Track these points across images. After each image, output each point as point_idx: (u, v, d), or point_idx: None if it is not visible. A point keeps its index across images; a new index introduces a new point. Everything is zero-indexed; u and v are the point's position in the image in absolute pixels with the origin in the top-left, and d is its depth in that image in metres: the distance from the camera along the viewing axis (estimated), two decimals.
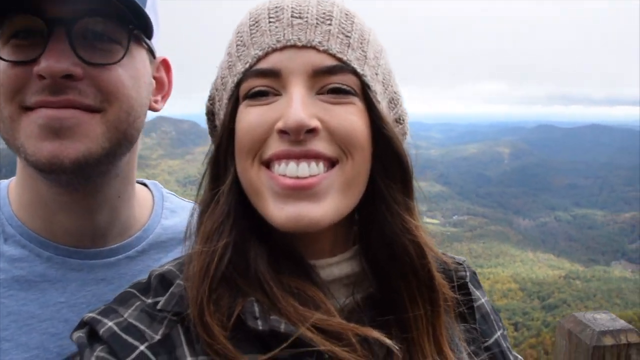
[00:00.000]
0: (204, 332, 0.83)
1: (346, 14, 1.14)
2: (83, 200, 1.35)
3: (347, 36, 1.11)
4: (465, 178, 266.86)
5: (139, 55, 1.32)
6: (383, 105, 1.18)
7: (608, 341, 1.74)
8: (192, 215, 1.12)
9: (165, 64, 1.52)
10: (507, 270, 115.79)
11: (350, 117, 1.06)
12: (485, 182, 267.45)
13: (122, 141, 1.29)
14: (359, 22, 1.17)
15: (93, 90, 1.18)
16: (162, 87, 1.53)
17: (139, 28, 1.26)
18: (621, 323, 2.35)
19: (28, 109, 1.17)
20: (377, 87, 1.17)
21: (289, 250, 0.98)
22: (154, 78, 1.47)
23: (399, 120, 1.24)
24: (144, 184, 1.62)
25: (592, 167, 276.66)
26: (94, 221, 1.38)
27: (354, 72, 1.09)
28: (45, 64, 1.10)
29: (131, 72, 1.27)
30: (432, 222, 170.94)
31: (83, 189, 1.32)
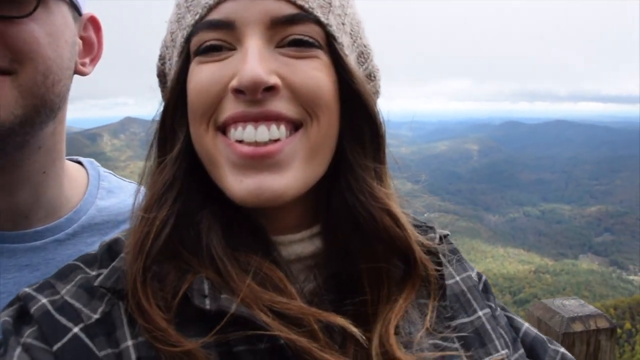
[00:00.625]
0: (140, 315, 0.72)
1: None
2: (0, 176, 1.18)
3: None
4: (435, 175, 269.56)
5: (58, 9, 1.13)
6: (351, 59, 1.03)
7: (577, 327, 1.69)
8: (136, 195, 0.96)
9: (94, 22, 1.33)
10: (479, 266, 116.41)
11: (314, 73, 0.92)
12: (455, 179, 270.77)
13: (39, 108, 1.11)
14: None
15: (1, 48, 1.00)
16: (90, 49, 1.33)
17: None
18: (590, 309, 1.92)
19: None
20: (344, 39, 1.02)
21: (248, 225, 0.85)
22: (81, 38, 1.29)
23: (370, 77, 1.08)
24: (79, 162, 1.47)
25: (558, 162, 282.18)
26: (14, 200, 1.21)
27: (317, 22, 0.94)
28: None
29: (47, 28, 1.09)
30: None
31: None
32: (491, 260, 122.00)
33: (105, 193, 1.39)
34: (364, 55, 1.13)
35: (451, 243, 1.21)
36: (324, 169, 0.90)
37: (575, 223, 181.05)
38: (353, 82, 0.97)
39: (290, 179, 0.86)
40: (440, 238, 1.15)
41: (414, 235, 0.98)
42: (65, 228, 1.30)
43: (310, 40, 0.93)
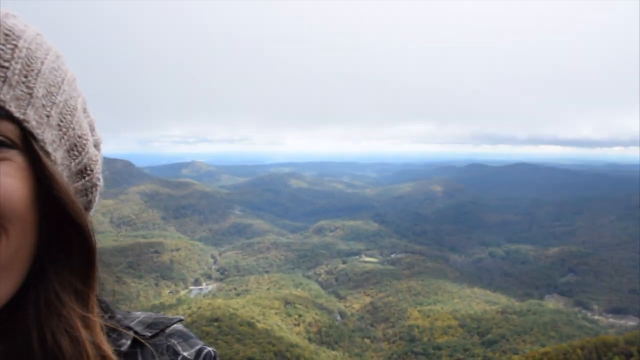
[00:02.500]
0: None
1: (5, 34, 0.79)
2: None
3: (2, 67, 0.78)
4: (401, 216, 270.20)
5: None
6: (57, 157, 0.87)
7: None
8: None
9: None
10: (446, 306, 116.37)
11: (3, 180, 0.76)
12: (420, 220, 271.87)
13: None
14: (27, 44, 0.82)
15: None
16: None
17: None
18: None
19: None
20: (47, 135, 0.86)
21: None
22: None
23: (85, 171, 1.02)
24: None
25: (522, 203, 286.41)
26: None
27: (11, 118, 0.79)
28: None
29: None
30: (371, 261, 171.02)
31: None
32: (459, 300, 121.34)
33: None
34: (77, 148, 0.97)
35: (177, 329, 1.13)
36: (18, 282, 0.75)
37: (540, 263, 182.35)
38: (53, 187, 0.81)
39: None
40: (158, 333, 1.05)
41: None
42: None
43: (1, 139, 0.76)
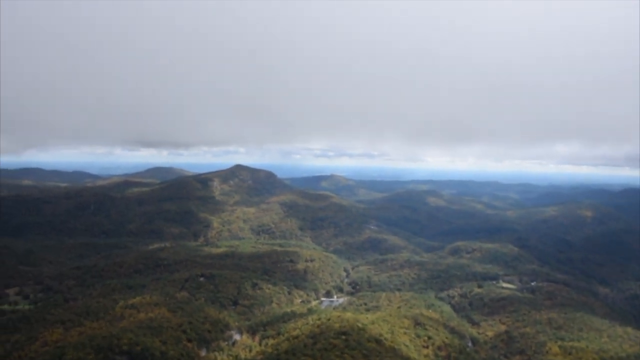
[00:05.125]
0: None
1: None
2: None
3: None
4: (544, 242, 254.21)
5: None
6: None
7: None
8: None
9: None
10: (593, 344, 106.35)
11: None
12: (566, 247, 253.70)
13: None
14: None
15: None
16: None
17: None
18: None
19: None
20: None
21: None
22: None
23: None
24: None
25: None
26: None
27: None
28: None
29: None
30: (509, 287, 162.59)
31: None
32: (607, 340, 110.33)
33: None
34: None
35: None
36: None
37: None
38: None
39: None
40: None
41: None
42: None
43: None
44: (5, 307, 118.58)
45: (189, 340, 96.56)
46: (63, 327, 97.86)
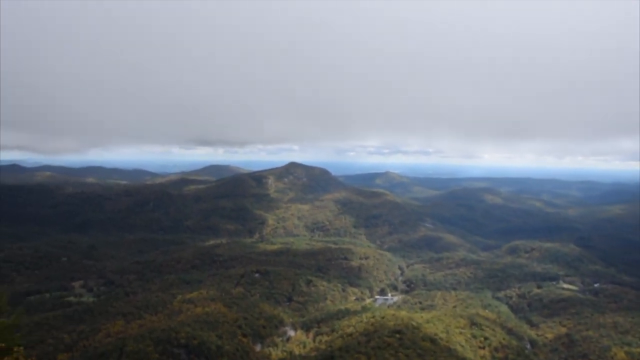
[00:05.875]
0: None
1: None
2: None
3: None
4: (608, 242, 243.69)
5: None
6: None
7: None
8: None
9: None
10: None
11: None
12: (633, 248, 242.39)
13: None
14: None
15: None
16: None
17: None
18: None
19: None
20: None
21: None
22: None
23: None
24: None
25: None
26: None
27: None
28: None
29: None
30: (570, 288, 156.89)
31: None
32: None
33: None
34: None
35: None
36: None
37: None
38: None
39: None
40: None
41: None
42: None
43: None
44: (71, 299, 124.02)
45: (244, 335, 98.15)
46: (124, 319, 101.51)
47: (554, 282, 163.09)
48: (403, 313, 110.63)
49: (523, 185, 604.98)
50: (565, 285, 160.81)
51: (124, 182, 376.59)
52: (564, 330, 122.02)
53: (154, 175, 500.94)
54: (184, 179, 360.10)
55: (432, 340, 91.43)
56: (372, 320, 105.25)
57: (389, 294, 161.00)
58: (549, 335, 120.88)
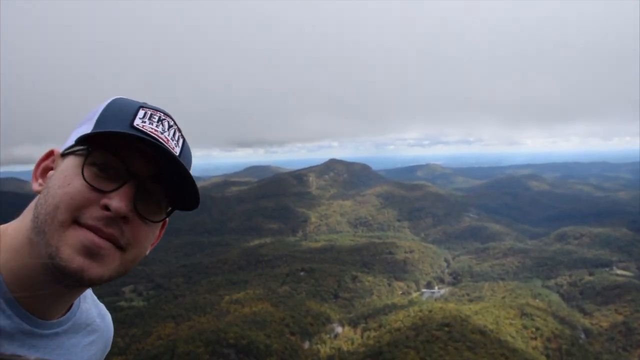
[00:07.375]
0: None
1: None
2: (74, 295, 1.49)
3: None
4: None
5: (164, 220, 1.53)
6: None
7: None
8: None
9: (164, 223, 1.64)
10: None
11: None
12: None
13: (121, 274, 1.48)
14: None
15: (128, 234, 1.38)
16: (156, 240, 1.68)
17: (183, 208, 1.52)
18: None
19: (78, 224, 1.33)
20: None
21: None
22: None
23: None
24: None
25: None
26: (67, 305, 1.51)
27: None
28: (117, 204, 1.32)
29: (154, 230, 1.50)
30: (624, 274, 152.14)
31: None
32: None
33: (83, 297, 1.67)
34: None
35: None
36: None
37: None
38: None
39: None
40: None
41: None
42: (65, 324, 1.53)
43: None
44: (122, 303, 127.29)
45: (292, 334, 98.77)
46: (174, 321, 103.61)
47: (607, 269, 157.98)
48: (451, 305, 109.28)
49: (569, 170, 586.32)
50: (619, 271, 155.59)
51: None
52: (620, 318, 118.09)
53: (196, 178, 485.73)
54: (226, 181, 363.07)
55: (482, 332, 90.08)
56: (420, 314, 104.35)
57: (436, 287, 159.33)
58: (604, 324, 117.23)
